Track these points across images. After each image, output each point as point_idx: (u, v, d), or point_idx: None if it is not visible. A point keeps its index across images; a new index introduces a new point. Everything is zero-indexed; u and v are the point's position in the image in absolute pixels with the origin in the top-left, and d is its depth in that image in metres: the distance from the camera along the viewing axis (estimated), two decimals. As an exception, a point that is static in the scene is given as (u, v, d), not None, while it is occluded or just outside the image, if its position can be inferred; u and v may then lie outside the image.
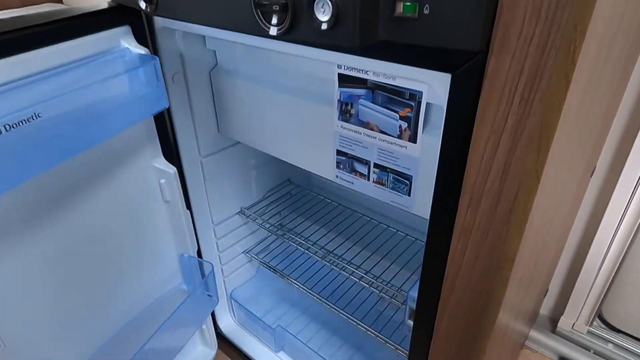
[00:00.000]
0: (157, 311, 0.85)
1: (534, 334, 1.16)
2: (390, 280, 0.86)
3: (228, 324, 1.11)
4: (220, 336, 1.12)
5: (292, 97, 0.70)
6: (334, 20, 0.38)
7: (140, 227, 0.80)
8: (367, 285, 0.83)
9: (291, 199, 1.13)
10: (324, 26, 0.38)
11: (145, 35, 0.70)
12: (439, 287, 0.54)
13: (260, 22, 0.42)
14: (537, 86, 0.37)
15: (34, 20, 0.58)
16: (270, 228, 1.00)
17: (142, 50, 0.67)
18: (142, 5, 0.55)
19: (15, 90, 0.54)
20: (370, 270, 0.88)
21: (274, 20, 0.40)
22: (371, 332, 0.87)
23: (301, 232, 1.04)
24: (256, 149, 0.81)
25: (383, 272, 0.91)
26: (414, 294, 0.62)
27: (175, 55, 0.75)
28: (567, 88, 0.35)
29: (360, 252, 1.00)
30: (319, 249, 0.94)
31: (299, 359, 1.02)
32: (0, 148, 0.50)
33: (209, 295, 0.92)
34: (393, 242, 1.00)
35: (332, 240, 1.04)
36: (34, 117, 0.53)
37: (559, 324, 1.15)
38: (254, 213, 1.02)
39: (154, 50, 0.72)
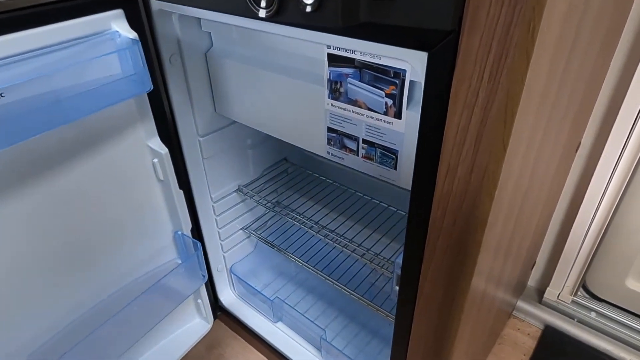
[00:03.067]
0: (151, 280, 0.89)
1: (521, 304, 1.22)
2: (381, 252, 0.90)
3: (228, 297, 1.17)
4: (221, 309, 1.17)
5: (285, 77, 0.73)
6: (317, 3, 0.41)
7: (135, 201, 0.83)
8: (360, 257, 0.88)
9: (287, 177, 1.17)
10: (309, 8, 0.41)
11: (140, 18, 0.72)
12: (422, 252, 0.59)
13: (250, 4, 0.45)
14: (504, 63, 0.40)
15: (25, 2, 0.60)
16: (267, 205, 1.04)
17: (130, 34, 0.69)
18: (140, -11, 0.58)
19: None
20: (362, 243, 0.93)
21: (263, 3, 0.44)
22: (363, 301, 0.92)
23: (296, 208, 1.08)
24: (253, 129, 0.85)
25: (374, 244, 0.96)
26: (400, 260, 0.67)
27: (172, 38, 0.78)
28: (528, 63, 0.39)
29: (352, 226, 1.05)
30: (314, 224, 0.98)
31: (297, 328, 1.08)
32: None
33: (198, 272, 0.96)
34: (384, 217, 1.05)
35: (326, 215, 1.09)
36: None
37: (545, 295, 1.20)
38: (251, 190, 1.06)
39: (151, 32, 0.75)
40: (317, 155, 1.18)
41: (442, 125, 0.47)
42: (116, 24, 0.68)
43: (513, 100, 0.41)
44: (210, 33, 0.83)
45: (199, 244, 0.92)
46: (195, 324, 1.09)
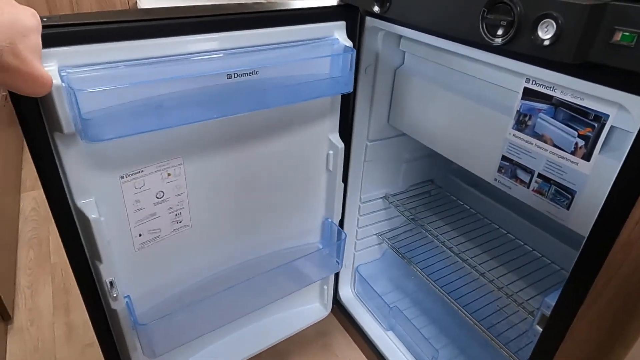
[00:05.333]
0: (294, 254, 1.01)
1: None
2: (517, 292, 0.89)
3: (347, 293, 1.24)
4: (337, 302, 1.25)
5: (468, 101, 0.79)
6: (555, 39, 0.46)
7: (303, 182, 0.96)
8: (496, 289, 0.88)
9: (430, 198, 1.21)
10: (546, 42, 0.46)
11: (355, 31, 0.85)
12: (584, 294, 0.58)
13: (484, 34, 0.52)
14: None
15: (275, 6, 0.76)
16: (410, 217, 1.10)
17: (347, 43, 0.82)
18: (375, 8, 0.69)
19: (247, 54, 0.73)
20: (497, 278, 0.92)
21: (499, 33, 0.50)
22: (487, 335, 0.91)
23: (434, 229, 1.12)
24: (412, 144, 0.92)
25: (509, 284, 0.95)
26: (551, 301, 0.67)
27: (372, 51, 0.90)
28: None
29: (487, 261, 1.04)
30: (453, 247, 1.01)
31: (407, 342, 1.10)
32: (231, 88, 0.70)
33: (335, 259, 1.05)
34: (523, 259, 1.02)
35: (461, 243, 1.10)
36: (254, 73, 0.72)
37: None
38: (397, 200, 1.13)
39: (358, 44, 0.88)
40: (463, 182, 1.21)
41: (648, 172, 0.48)
42: (337, 33, 0.82)
43: None
44: (404, 52, 0.92)
45: (344, 234, 1.01)
46: (314, 307, 1.18)
